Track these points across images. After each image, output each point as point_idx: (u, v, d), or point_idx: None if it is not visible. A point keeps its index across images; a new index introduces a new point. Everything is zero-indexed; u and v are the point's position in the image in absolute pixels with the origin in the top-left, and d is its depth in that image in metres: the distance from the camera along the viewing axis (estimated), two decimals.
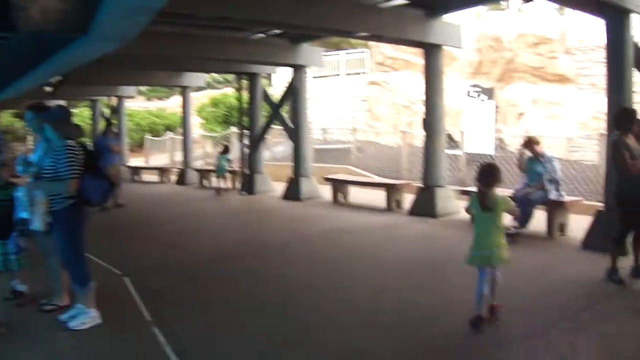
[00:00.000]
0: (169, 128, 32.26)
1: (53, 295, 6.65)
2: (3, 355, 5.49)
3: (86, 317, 6.08)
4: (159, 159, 26.63)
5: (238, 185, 18.12)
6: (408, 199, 12.72)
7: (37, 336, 5.90)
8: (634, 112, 7.33)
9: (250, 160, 17.51)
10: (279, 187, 16.34)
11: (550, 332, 5.60)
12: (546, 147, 10.49)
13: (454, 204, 11.92)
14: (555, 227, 9.57)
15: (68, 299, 6.50)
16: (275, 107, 17.10)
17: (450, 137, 14.20)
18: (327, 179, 15.14)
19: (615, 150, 7.04)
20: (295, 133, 15.79)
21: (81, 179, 5.95)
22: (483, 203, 5.81)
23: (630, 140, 7.01)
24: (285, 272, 8.33)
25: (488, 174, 5.91)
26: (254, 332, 6.01)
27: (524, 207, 9.41)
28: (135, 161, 26.18)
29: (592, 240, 8.50)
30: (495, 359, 5.14)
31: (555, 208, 9.56)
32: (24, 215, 6.41)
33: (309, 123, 16.89)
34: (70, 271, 6.20)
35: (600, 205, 9.14)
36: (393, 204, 13.01)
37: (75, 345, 5.66)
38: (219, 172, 18.06)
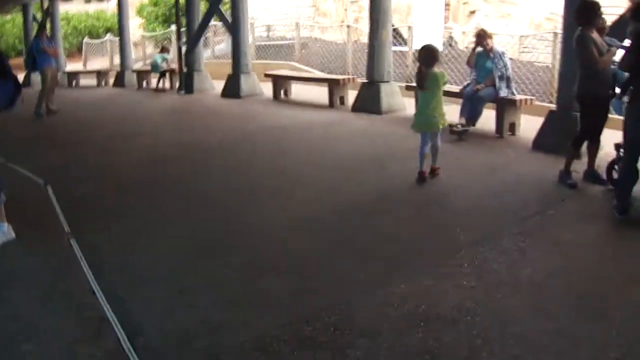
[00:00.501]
0: (109, 30, 30.41)
1: None
2: None
3: None
4: (99, 63, 25.28)
5: (177, 84, 17.14)
6: (352, 96, 11.89)
7: None
8: (597, 4, 6.62)
9: (188, 58, 16.45)
10: (220, 85, 15.38)
11: (501, 237, 5.06)
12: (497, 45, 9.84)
13: (399, 101, 11.13)
14: (506, 126, 8.85)
15: None
16: (213, 2, 16.03)
17: (397, 33, 13.45)
18: (268, 75, 14.26)
19: (581, 45, 6.28)
20: (234, 27, 14.69)
21: None
22: (422, 80, 6.58)
23: (595, 35, 6.40)
24: (220, 174, 7.73)
25: (427, 54, 6.64)
26: (179, 240, 5.44)
27: (472, 104, 8.84)
28: (74, 66, 24.69)
29: (544, 141, 7.88)
30: (441, 268, 4.55)
31: (506, 106, 8.83)
32: None
33: (250, 18, 15.88)
34: None
35: (552, 106, 8.59)
36: (336, 101, 12.23)
37: None
38: (155, 70, 17.70)
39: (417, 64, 6.87)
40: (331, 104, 12.27)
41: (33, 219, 6.03)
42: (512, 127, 8.96)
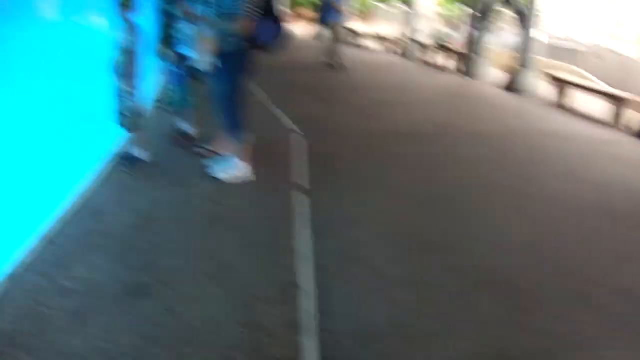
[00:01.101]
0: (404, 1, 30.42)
1: (213, 140, 6.20)
2: (139, 190, 5.11)
3: (235, 170, 5.56)
4: (382, 28, 25.30)
5: (459, 66, 16.54)
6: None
7: (180, 179, 5.51)
8: None
9: (475, 42, 15.78)
10: (499, 75, 14.61)
11: None
12: None
13: None
14: None
15: (227, 148, 5.91)
16: None
17: None
18: (554, 78, 13.12)
19: None
20: (524, 20, 13.69)
21: (256, 21, 5.19)
22: None
23: None
24: (465, 166, 7.16)
25: None
26: (402, 224, 5.04)
27: None
28: (354, 26, 24.96)
29: None
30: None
31: None
32: (185, 51, 5.83)
33: (539, 12, 14.47)
34: (226, 118, 5.59)
35: None
36: (620, 121, 10.80)
37: (209, 196, 5.18)
38: (437, 42, 17.74)
39: None
40: (613, 123, 10.89)
41: (274, 165, 6.09)
42: None
